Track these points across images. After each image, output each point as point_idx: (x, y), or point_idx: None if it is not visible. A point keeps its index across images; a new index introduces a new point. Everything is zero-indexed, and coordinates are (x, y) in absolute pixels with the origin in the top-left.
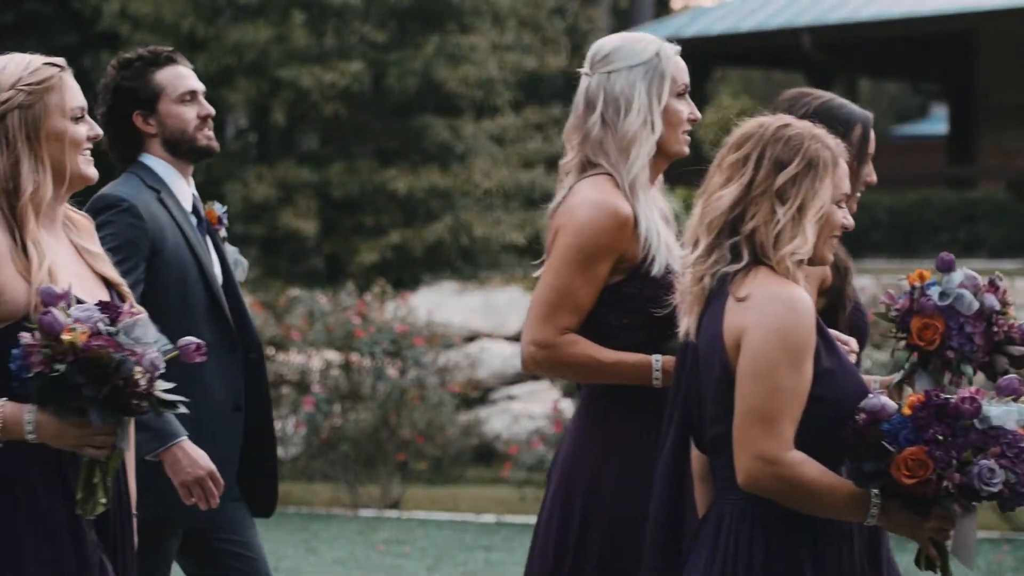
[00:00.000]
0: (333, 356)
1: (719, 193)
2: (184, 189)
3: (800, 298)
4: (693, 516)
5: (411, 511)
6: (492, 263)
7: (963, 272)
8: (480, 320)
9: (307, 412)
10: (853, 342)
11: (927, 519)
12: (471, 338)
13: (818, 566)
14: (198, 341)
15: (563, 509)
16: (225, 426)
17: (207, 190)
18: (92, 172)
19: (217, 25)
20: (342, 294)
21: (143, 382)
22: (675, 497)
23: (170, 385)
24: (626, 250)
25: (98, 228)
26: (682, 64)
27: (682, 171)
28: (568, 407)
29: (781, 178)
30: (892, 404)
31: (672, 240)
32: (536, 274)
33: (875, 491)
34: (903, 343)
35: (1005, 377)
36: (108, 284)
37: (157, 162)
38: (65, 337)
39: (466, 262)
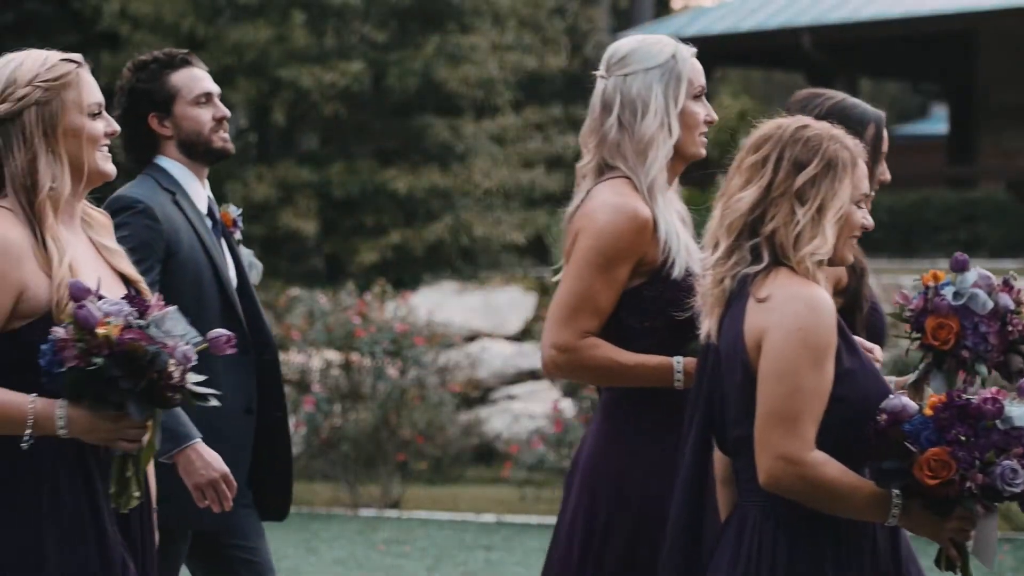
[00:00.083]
0: (333, 356)
1: (739, 195)
2: (199, 191)
3: (821, 298)
4: (715, 519)
5: (411, 511)
6: (492, 263)
7: (977, 272)
8: (480, 320)
9: (307, 412)
10: (878, 350)
11: (948, 520)
12: (471, 338)
13: (841, 567)
14: (228, 334)
15: (588, 511)
16: (236, 429)
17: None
18: (110, 168)
19: (217, 25)
20: (342, 294)
21: (176, 374)
22: (696, 499)
23: (202, 378)
24: (646, 253)
25: (114, 229)
26: (698, 66)
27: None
28: (568, 407)
29: (800, 179)
30: (913, 405)
31: (691, 242)
32: (554, 279)
33: (896, 491)
34: (917, 343)
35: None
36: (126, 281)
37: (172, 164)
38: (100, 331)
39: (466, 262)
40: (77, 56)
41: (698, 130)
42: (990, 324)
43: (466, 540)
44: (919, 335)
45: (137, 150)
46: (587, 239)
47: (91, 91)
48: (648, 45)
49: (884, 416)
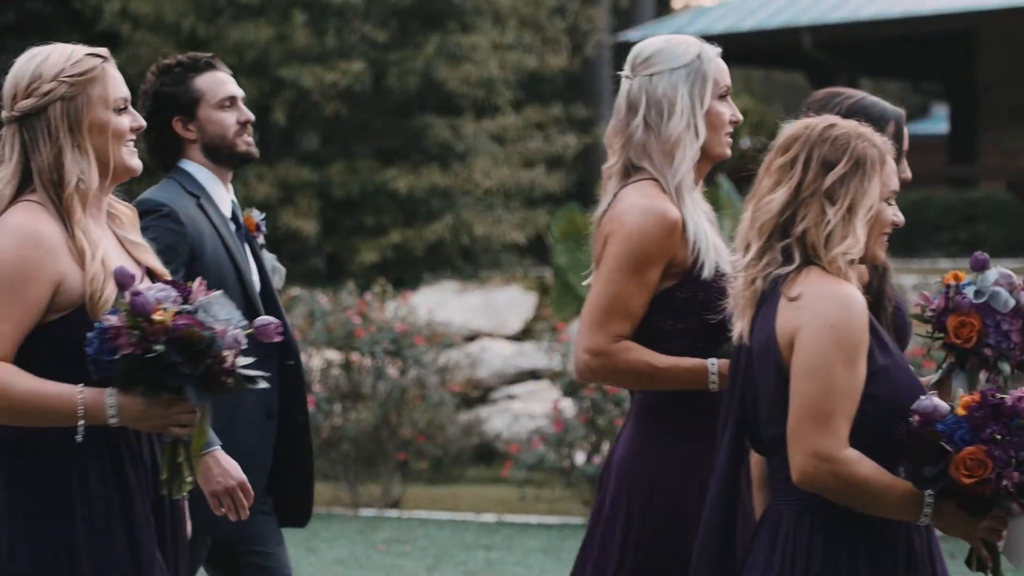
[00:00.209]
0: (334, 355)
1: (768, 197)
2: (223, 195)
3: (853, 296)
4: (747, 521)
5: (411, 510)
6: (493, 262)
7: (998, 271)
8: (481, 319)
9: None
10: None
11: (980, 519)
12: (472, 337)
13: (875, 566)
14: (276, 320)
15: (622, 512)
16: (257, 434)
17: None
18: (136, 163)
19: (218, 25)
20: (342, 293)
21: (229, 359)
22: (729, 501)
23: (250, 360)
24: (675, 255)
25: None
26: (723, 66)
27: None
28: (568, 407)
29: (830, 178)
30: (945, 405)
31: (720, 242)
32: (585, 283)
33: (929, 491)
34: (940, 342)
35: None
36: (151, 275)
37: (196, 168)
38: (156, 316)
39: (467, 261)
40: (103, 50)
41: (724, 130)
42: (1012, 322)
43: (466, 540)
44: (941, 334)
45: (161, 154)
46: (617, 243)
47: (117, 86)
48: (673, 45)
49: (916, 417)
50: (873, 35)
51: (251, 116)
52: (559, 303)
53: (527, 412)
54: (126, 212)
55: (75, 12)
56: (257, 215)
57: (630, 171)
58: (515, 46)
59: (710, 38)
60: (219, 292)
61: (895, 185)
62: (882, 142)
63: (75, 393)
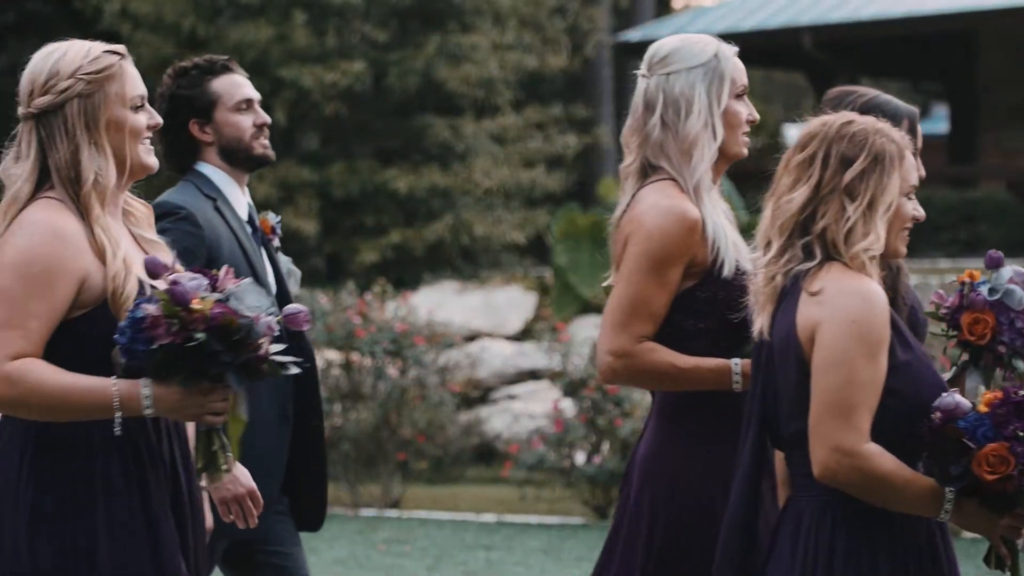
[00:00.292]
0: (334, 355)
1: (788, 196)
2: (240, 198)
3: (875, 291)
4: (770, 518)
5: (411, 510)
6: (493, 262)
7: (1012, 268)
8: (481, 319)
9: None
10: None
11: (1001, 516)
12: (472, 337)
13: (897, 561)
14: (304, 309)
15: (650, 509)
16: (272, 436)
17: None
18: (152, 161)
19: (218, 24)
20: (343, 293)
21: (264, 345)
22: (752, 500)
23: (282, 347)
24: (696, 254)
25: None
26: (740, 65)
27: None
28: (568, 407)
29: (849, 175)
30: (966, 402)
31: (740, 240)
32: (605, 283)
33: (950, 488)
34: (954, 340)
35: None
36: None
37: (213, 170)
38: (195, 305)
39: (467, 261)
40: (120, 48)
41: (741, 129)
42: None
43: (466, 540)
44: (955, 332)
45: (178, 156)
46: (637, 243)
47: (134, 83)
48: (691, 44)
49: (938, 414)
50: (873, 35)
51: (268, 119)
52: (559, 303)
53: (527, 412)
54: (141, 210)
55: (75, 12)
56: (273, 218)
57: (648, 170)
58: (515, 46)
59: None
60: (248, 280)
61: (915, 180)
62: (900, 137)
63: (109, 385)
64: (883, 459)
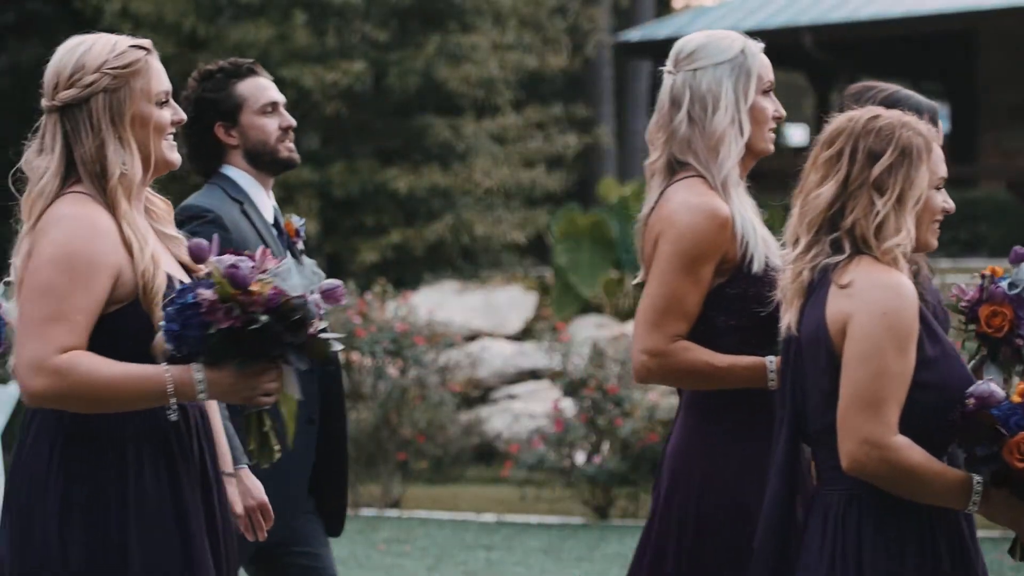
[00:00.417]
0: None
1: (816, 192)
2: (265, 201)
3: (905, 284)
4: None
5: (412, 510)
6: (493, 262)
7: None
8: (481, 319)
9: None
10: None
11: None
12: (472, 337)
13: (924, 554)
14: (339, 283)
15: (679, 507)
16: (299, 439)
17: None
18: (176, 157)
19: (218, 24)
20: None
21: (316, 324)
22: (788, 499)
23: (326, 324)
24: (727, 251)
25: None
26: (767, 61)
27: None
28: (568, 406)
29: (876, 169)
30: (1001, 391)
31: (769, 236)
32: (634, 282)
33: (978, 479)
34: (972, 333)
35: None
36: (187, 270)
37: (239, 173)
38: (254, 288)
39: (467, 261)
40: (146, 42)
41: (767, 126)
42: None
43: (466, 540)
44: (974, 325)
45: (203, 159)
46: (669, 242)
47: (159, 79)
48: (717, 40)
49: (972, 400)
50: (873, 35)
51: (293, 122)
52: (559, 303)
53: (527, 412)
54: (161, 206)
55: (76, 12)
56: (297, 221)
57: (674, 167)
58: (515, 46)
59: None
60: (288, 259)
61: (943, 171)
62: (927, 130)
63: (162, 372)
64: (912, 451)
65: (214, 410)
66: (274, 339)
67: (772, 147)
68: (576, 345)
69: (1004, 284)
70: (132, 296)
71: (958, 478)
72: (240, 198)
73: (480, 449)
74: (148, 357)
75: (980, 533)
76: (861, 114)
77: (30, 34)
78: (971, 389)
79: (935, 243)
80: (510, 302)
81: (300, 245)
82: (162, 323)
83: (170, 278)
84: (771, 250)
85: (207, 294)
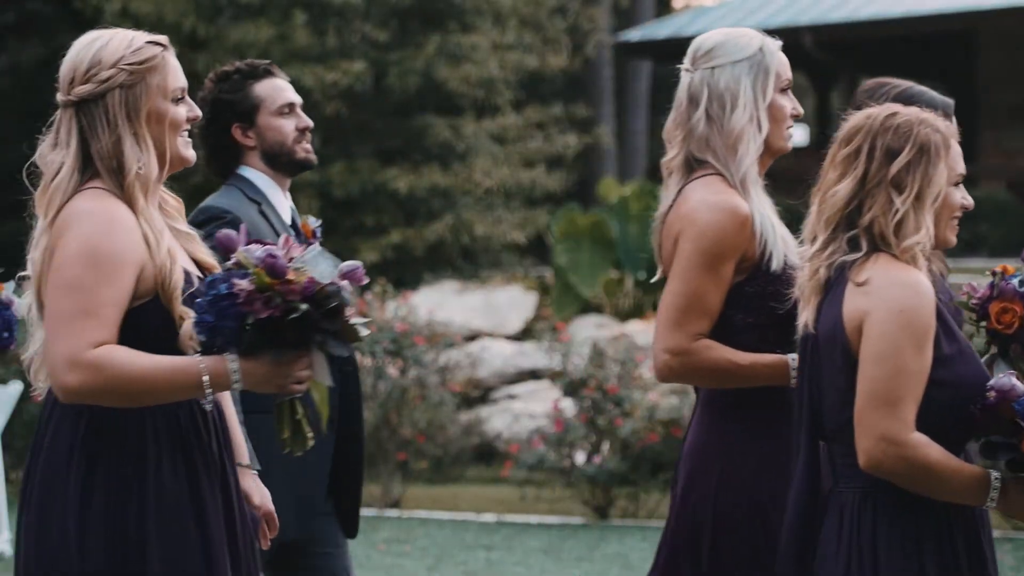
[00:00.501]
0: None
1: (834, 189)
2: (282, 201)
3: (921, 282)
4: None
5: (412, 510)
6: (493, 262)
7: None
8: (481, 319)
9: None
10: None
11: None
12: (472, 337)
13: (942, 551)
14: (359, 264)
15: (695, 504)
16: (318, 440)
17: (209, 190)
18: (190, 154)
19: (218, 25)
20: None
21: (349, 311)
22: (812, 497)
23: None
24: (746, 249)
25: (202, 240)
26: (785, 59)
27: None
28: (568, 406)
29: (895, 167)
30: (1021, 385)
31: (787, 234)
32: (652, 280)
33: (996, 475)
34: (983, 329)
35: None
36: (201, 267)
37: (256, 174)
38: (291, 277)
39: (467, 261)
40: (163, 38)
41: (785, 124)
42: None
43: (466, 540)
44: (984, 321)
45: (220, 160)
46: (690, 240)
47: (176, 75)
48: (735, 38)
49: (993, 394)
50: (873, 35)
51: (310, 123)
52: (559, 303)
53: (527, 412)
54: (172, 203)
55: (76, 12)
56: (313, 222)
57: (692, 165)
58: (515, 46)
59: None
60: (314, 247)
61: (961, 168)
62: (945, 126)
63: (196, 363)
64: (929, 448)
65: (228, 404)
66: (313, 327)
67: (790, 145)
68: (576, 345)
69: (1015, 281)
70: (153, 292)
71: (975, 474)
72: (257, 199)
73: (480, 449)
74: (170, 352)
75: None
76: (879, 111)
77: (30, 34)
78: (991, 383)
79: (954, 240)
80: (510, 302)
81: (317, 246)
82: (194, 315)
83: (187, 273)
84: (790, 249)
85: (244, 284)
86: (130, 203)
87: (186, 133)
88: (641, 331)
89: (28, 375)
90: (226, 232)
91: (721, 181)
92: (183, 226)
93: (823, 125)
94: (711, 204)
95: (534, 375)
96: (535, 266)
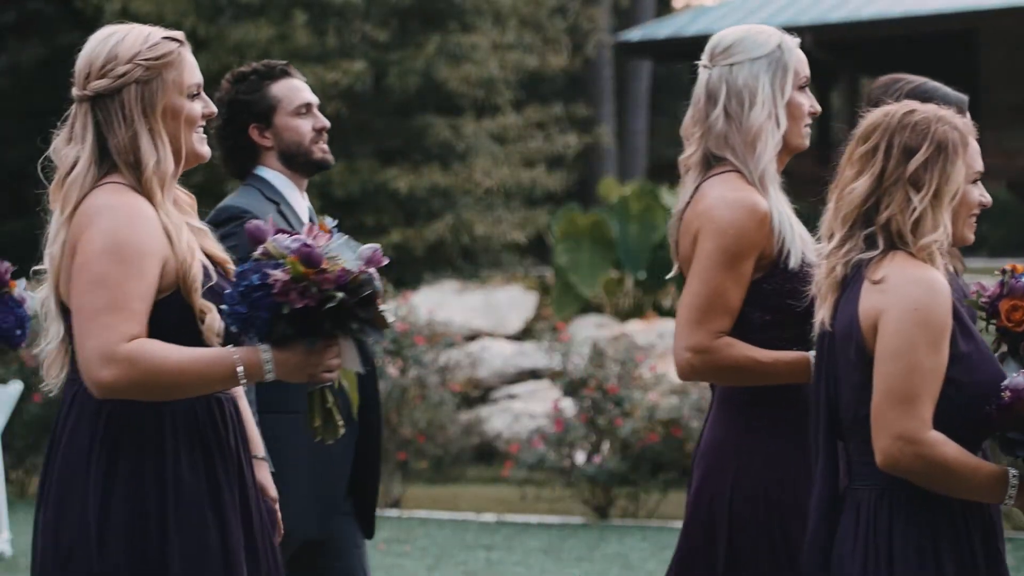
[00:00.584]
0: None
1: (851, 186)
2: (300, 201)
3: (938, 279)
4: None
5: (412, 510)
6: (493, 262)
7: None
8: (481, 319)
9: None
10: None
11: None
12: (472, 337)
13: (959, 548)
14: (377, 246)
15: (710, 500)
16: (340, 439)
17: (209, 190)
18: (205, 150)
19: (218, 24)
20: None
21: (381, 298)
22: (833, 492)
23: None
24: (765, 246)
25: (221, 240)
26: (803, 57)
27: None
28: (568, 406)
29: (912, 165)
30: None
31: (805, 232)
32: (668, 276)
33: (1014, 473)
34: (993, 327)
35: None
36: (213, 262)
37: (273, 174)
38: (326, 266)
39: (467, 261)
40: (179, 34)
41: (803, 121)
42: None
43: (466, 539)
44: (994, 320)
45: (237, 161)
46: (710, 238)
47: (192, 72)
48: (754, 35)
49: (1008, 393)
50: (873, 35)
51: (327, 123)
52: (559, 303)
53: (527, 412)
54: (185, 199)
55: (76, 12)
56: (330, 221)
57: (710, 162)
58: (515, 46)
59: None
60: (338, 235)
61: (979, 165)
62: (963, 124)
63: (230, 354)
64: (946, 447)
65: (242, 396)
66: (348, 315)
67: (807, 143)
68: (576, 345)
69: None
70: (173, 286)
71: (994, 472)
72: (276, 199)
73: (480, 449)
74: (189, 346)
75: None
76: (896, 109)
77: (30, 34)
78: (1006, 382)
79: (972, 237)
80: (510, 302)
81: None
82: (224, 307)
83: (206, 268)
84: (807, 246)
85: (278, 275)
86: (148, 197)
87: (201, 129)
88: (641, 331)
89: (41, 370)
90: (256, 222)
91: (739, 178)
92: (195, 221)
93: (822, 125)
94: (730, 201)
95: (534, 375)
96: (535, 266)
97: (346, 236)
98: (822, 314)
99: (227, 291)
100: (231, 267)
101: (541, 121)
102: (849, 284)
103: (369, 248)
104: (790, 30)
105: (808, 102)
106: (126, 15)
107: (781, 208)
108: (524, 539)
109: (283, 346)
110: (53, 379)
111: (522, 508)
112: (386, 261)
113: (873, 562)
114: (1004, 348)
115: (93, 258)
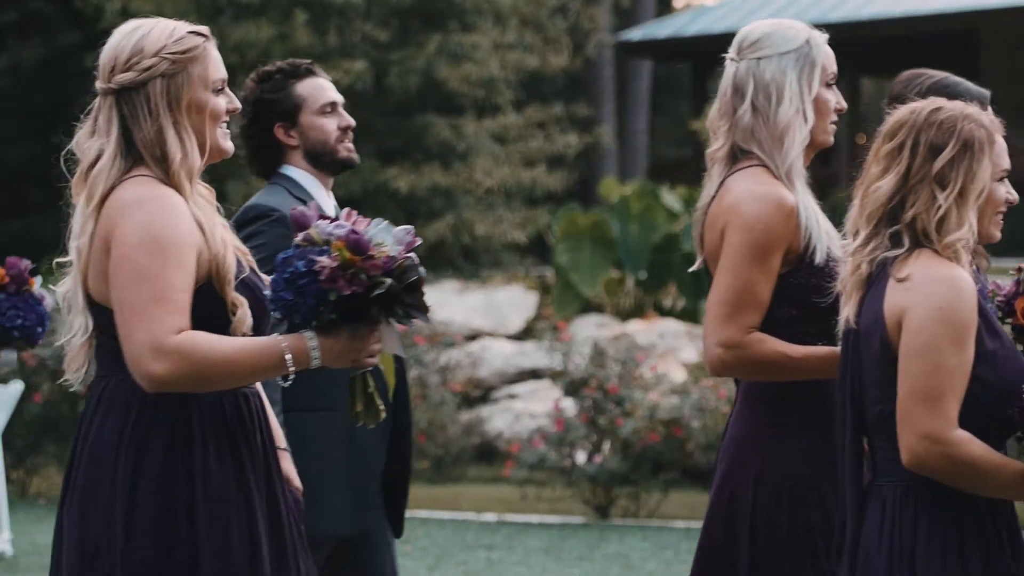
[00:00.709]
0: None
1: (876, 184)
2: (326, 200)
3: (963, 278)
4: None
5: (412, 510)
6: (494, 262)
7: None
8: (482, 319)
9: None
10: None
11: None
12: (473, 337)
13: (985, 545)
14: (410, 228)
15: (731, 495)
16: (373, 432)
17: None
18: (229, 145)
19: (219, 24)
20: None
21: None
22: (859, 487)
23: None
24: (791, 241)
25: (248, 238)
26: (831, 53)
27: (683, 170)
28: (569, 406)
29: (938, 163)
30: None
31: (831, 227)
32: (691, 269)
33: None
34: (1008, 326)
35: None
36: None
37: (299, 173)
38: (373, 253)
39: (468, 261)
40: (204, 29)
41: (829, 118)
42: None
43: (467, 539)
44: (1010, 318)
45: (262, 160)
46: (738, 233)
47: (217, 66)
48: (782, 29)
49: None
50: (873, 35)
51: (352, 122)
52: (560, 302)
53: (528, 411)
54: (205, 193)
55: (76, 11)
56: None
57: (737, 155)
58: (516, 46)
59: (711, 38)
60: (377, 220)
61: (1006, 163)
62: (990, 121)
63: (279, 342)
64: (972, 445)
65: (260, 388)
66: (395, 301)
67: (832, 139)
68: (577, 345)
69: None
70: (206, 278)
71: (1020, 470)
72: (303, 197)
73: (481, 449)
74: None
75: None
76: (923, 106)
77: (31, 34)
78: None
79: (998, 235)
80: (511, 302)
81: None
82: (268, 292)
83: (239, 260)
84: (833, 242)
85: (325, 261)
86: (177, 190)
87: (225, 124)
88: (642, 331)
89: (64, 363)
90: (300, 208)
91: (765, 172)
92: (215, 216)
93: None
94: (757, 195)
95: (535, 375)
96: (536, 266)
97: (385, 221)
98: (847, 311)
99: (272, 276)
100: (251, 259)
101: (542, 121)
102: (874, 282)
103: (403, 230)
104: None
105: (835, 98)
106: (127, 14)
107: (807, 203)
108: (525, 539)
109: (328, 332)
110: (74, 373)
111: (523, 508)
112: (419, 241)
113: (898, 559)
114: (1020, 347)
115: (131, 251)
